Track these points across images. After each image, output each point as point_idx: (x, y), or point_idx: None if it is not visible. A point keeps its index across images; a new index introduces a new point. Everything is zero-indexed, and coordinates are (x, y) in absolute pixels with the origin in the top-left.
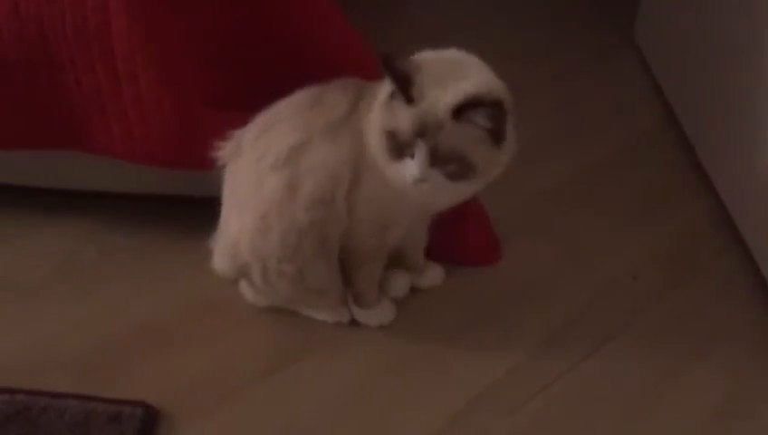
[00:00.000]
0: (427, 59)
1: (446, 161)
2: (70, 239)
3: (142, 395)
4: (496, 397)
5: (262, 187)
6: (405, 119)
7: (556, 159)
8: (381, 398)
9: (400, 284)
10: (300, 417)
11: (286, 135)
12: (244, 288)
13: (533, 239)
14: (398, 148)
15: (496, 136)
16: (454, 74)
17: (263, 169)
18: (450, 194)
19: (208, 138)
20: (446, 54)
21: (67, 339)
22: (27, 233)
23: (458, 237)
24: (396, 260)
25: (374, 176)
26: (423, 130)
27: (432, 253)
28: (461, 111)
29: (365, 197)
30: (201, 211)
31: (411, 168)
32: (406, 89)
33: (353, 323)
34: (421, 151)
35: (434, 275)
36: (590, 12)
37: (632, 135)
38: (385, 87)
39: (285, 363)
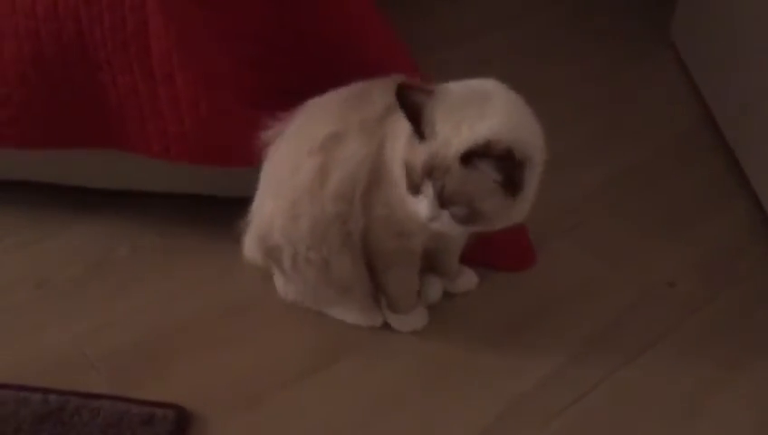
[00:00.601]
0: (450, 90)
1: (455, 204)
2: (103, 238)
3: (174, 397)
4: (530, 405)
5: (298, 172)
6: (418, 155)
7: (590, 163)
8: (414, 404)
9: (433, 289)
10: (330, 422)
11: (326, 123)
12: (276, 278)
13: (569, 245)
14: (414, 183)
15: (509, 187)
16: (472, 112)
17: (301, 155)
18: (466, 230)
19: (243, 138)
20: (472, 86)
21: (100, 339)
22: (60, 232)
23: (492, 242)
24: (429, 265)
25: (391, 184)
26: (431, 171)
27: (465, 257)
28: (468, 158)
29: (380, 201)
30: (233, 212)
31: (422, 206)
32: (417, 124)
33: (386, 327)
34: (429, 192)
35: (467, 280)
36: (624, 9)
37: (668, 137)
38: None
39: (317, 367)
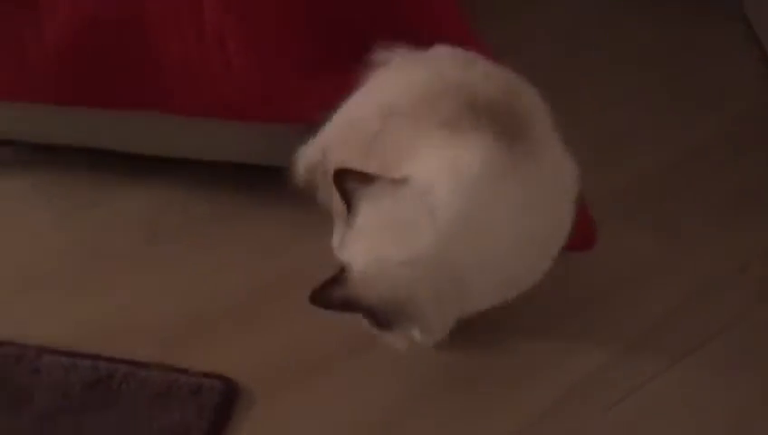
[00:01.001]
0: (383, 195)
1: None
2: (155, 207)
3: (222, 369)
4: (584, 396)
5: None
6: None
7: (657, 141)
8: (468, 384)
9: None
10: (380, 399)
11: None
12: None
13: (631, 226)
14: None
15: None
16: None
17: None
18: None
19: (296, 100)
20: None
21: (149, 308)
22: (114, 198)
23: None
24: None
25: None
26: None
27: None
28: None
29: None
30: (282, 182)
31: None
32: (348, 209)
33: None
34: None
35: None
36: None
37: (740, 115)
38: None
39: (369, 344)
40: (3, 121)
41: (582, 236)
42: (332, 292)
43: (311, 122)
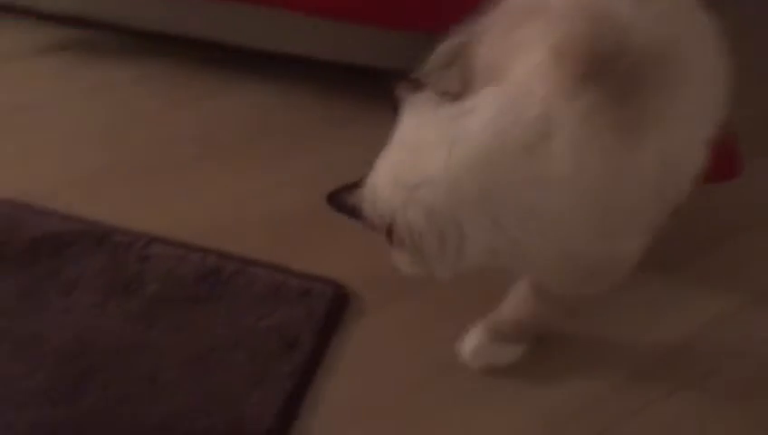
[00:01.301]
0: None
1: None
2: (261, 104)
3: (333, 274)
4: (704, 342)
5: None
6: None
7: None
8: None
9: None
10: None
11: None
12: None
13: None
14: None
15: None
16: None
17: None
18: None
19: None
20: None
21: (261, 205)
22: (223, 94)
23: None
24: None
25: None
26: None
27: None
28: None
29: None
30: (389, 84)
31: None
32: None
33: None
34: None
35: None
36: None
37: None
38: None
39: None
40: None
41: (726, 164)
42: (344, 197)
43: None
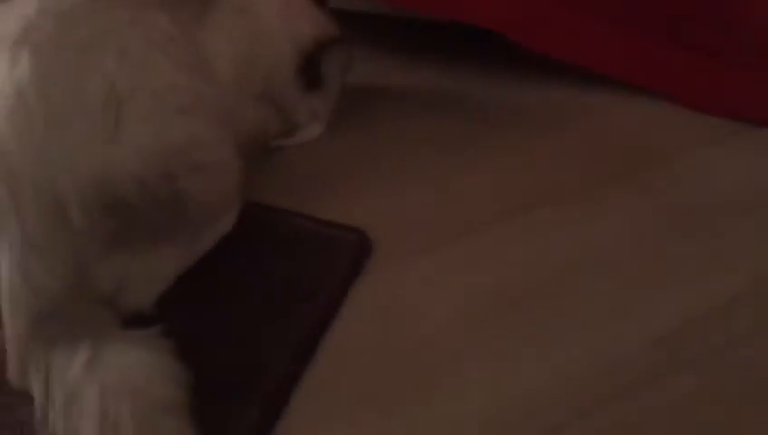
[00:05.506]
0: None
1: None
2: None
3: (357, 222)
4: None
5: None
6: None
7: None
8: (614, 265)
9: None
10: (525, 272)
11: None
12: None
13: None
14: None
15: None
16: None
17: None
18: None
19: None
20: None
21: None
22: None
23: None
24: None
25: None
26: None
27: (699, 102)
28: None
29: None
30: None
31: None
32: None
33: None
34: None
35: None
36: None
37: None
38: None
39: (507, 214)
40: None
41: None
42: None
43: None
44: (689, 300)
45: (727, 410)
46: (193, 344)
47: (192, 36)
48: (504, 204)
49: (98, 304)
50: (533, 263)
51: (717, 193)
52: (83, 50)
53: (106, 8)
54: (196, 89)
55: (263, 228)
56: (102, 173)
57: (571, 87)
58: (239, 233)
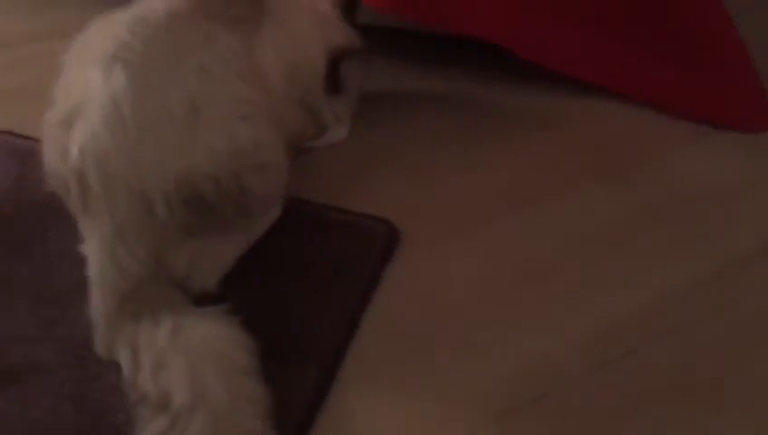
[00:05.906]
0: None
1: None
2: None
3: (385, 213)
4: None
5: None
6: None
7: None
8: (623, 245)
9: None
10: (539, 253)
11: None
12: None
13: None
14: None
15: None
16: None
17: None
18: None
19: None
20: None
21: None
22: None
23: (720, 92)
24: None
25: None
26: None
27: (683, 108)
28: None
29: None
30: None
31: None
32: None
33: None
34: None
35: None
36: None
37: None
38: None
39: (529, 200)
40: None
41: (757, 113)
42: None
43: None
44: (674, 275)
45: (705, 363)
46: (255, 318)
47: (250, 50)
48: (507, 199)
49: (171, 285)
50: (538, 246)
51: (692, 187)
52: (168, 66)
53: (182, 27)
54: (256, 98)
55: (302, 220)
56: (184, 173)
57: (572, 91)
58: (282, 224)
